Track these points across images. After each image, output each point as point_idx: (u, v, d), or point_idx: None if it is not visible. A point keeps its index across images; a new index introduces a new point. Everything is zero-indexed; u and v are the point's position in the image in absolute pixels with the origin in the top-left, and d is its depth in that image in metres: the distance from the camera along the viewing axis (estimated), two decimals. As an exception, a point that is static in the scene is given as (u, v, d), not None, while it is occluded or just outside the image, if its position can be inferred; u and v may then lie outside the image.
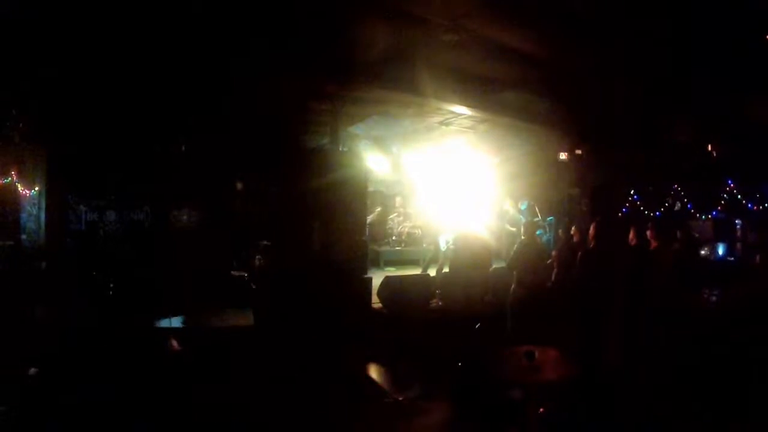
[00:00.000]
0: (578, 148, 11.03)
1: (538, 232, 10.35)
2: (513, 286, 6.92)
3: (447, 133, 11.14)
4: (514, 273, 6.90)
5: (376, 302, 7.61)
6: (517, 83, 8.35)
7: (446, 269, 9.62)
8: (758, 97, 8.15)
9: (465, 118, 9.84)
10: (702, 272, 8.28)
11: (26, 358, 5.68)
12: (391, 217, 12.51)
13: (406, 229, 12.33)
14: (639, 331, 6.59)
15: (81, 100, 7.88)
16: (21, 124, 8.35)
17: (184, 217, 9.65)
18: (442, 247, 10.14)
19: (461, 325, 6.23)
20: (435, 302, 7.83)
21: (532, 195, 11.88)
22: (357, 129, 10.44)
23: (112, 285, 7.91)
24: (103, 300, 7.60)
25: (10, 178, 8.71)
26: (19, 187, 8.87)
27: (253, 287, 8.40)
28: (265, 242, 9.76)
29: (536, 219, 11.19)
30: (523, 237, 7.14)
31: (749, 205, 9.70)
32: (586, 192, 11.01)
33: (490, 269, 7.56)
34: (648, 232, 6.89)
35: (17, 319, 6.68)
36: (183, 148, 9.61)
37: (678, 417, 4.98)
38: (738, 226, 10.11)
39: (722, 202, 10.08)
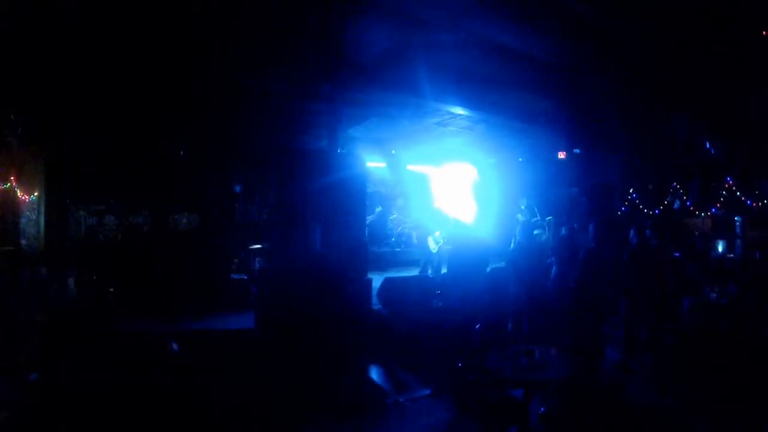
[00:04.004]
0: (577, 147, 11.05)
1: (536, 232, 10.37)
2: (513, 286, 6.92)
3: (445, 134, 11.15)
4: (514, 272, 6.90)
5: (376, 304, 7.62)
6: (515, 83, 8.36)
7: (444, 269, 9.64)
8: (756, 94, 8.17)
9: (463, 118, 9.84)
10: (702, 269, 8.30)
11: (27, 363, 5.68)
12: (390, 218, 12.52)
13: (406, 231, 12.34)
14: (640, 328, 6.60)
15: (80, 105, 7.89)
16: (20, 129, 8.35)
17: (184, 221, 9.65)
18: (431, 247, 10.15)
19: (461, 325, 6.23)
20: (435, 303, 7.83)
21: (530, 194, 11.90)
22: (355, 131, 10.45)
23: (112, 289, 7.90)
24: (104, 304, 7.59)
25: (9, 184, 8.72)
26: (19, 193, 8.87)
27: (253, 290, 8.39)
28: (264, 245, 9.77)
29: (535, 218, 11.22)
30: (521, 237, 7.14)
31: (748, 202, 9.70)
32: (585, 191, 11.01)
33: (488, 269, 7.55)
34: (648, 231, 6.90)
35: (18, 325, 6.67)
36: (181, 152, 9.62)
37: (679, 414, 4.98)
38: (737, 223, 10.12)
39: (721, 199, 10.08)
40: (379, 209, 12.45)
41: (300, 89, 8.04)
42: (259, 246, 9.77)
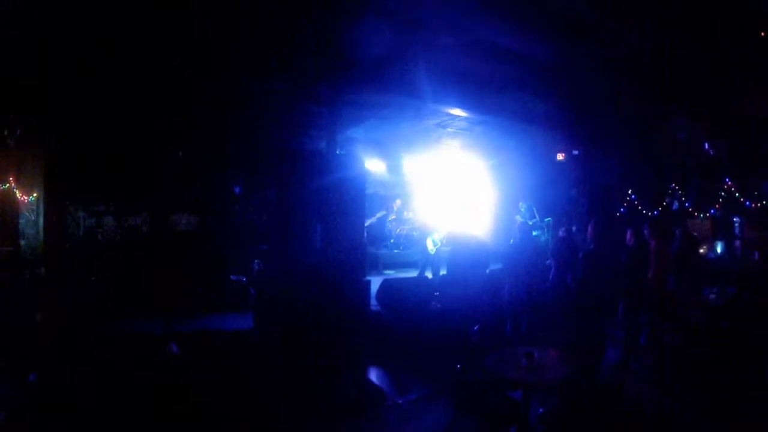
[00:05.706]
0: (576, 149, 11.05)
1: (535, 233, 10.38)
2: (511, 287, 6.93)
3: (444, 135, 11.15)
4: (513, 273, 6.90)
5: (375, 305, 7.61)
6: (514, 84, 8.37)
7: (443, 271, 9.64)
8: (756, 94, 8.18)
9: (462, 120, 9.85)
10: (701, 270, 8.29)
11: (27, 364, 5.67)
12: (389, 219, 12.51)
13: (405, 232, 12.33)
14: (639, 328, 6.60)
15: (79, 106, 7.90)
16: (19, 130, 8.35)
17: (183, 222, 9.65)
18: (430, 248, 10.17)
19: (460, 326, 6.23)
20: (434, 304, 7.82)
21: (529, 196, 11.90)
22: (354, 132, 10.46)
23: (111, 290, 7.90)
24: (103, 305, 7.59)
25: (8, 184, 8.71)
26: (18, 193, 8.86)
27: (252, 291, 8.39)
28: (263, 246, 9.77)
29: (534, 220, 11.22)
30: (519, 237, 7.15)
31: (747, 203, 9.71)
32: (584, 192, 11.01)
33: (488, 270, 7.55)
34: (646, 232, 6.90)
35: (17, 325, 6.67)
36: (180, 153, 9.62)
37: (679, 414, 4.98)
38: (736, 224, 10.13)
39: (720, 200, 10.09)
40: (383, 213, 12.40)
41: (299, 91, 8.04)
42: (258, 247, 9.77)
